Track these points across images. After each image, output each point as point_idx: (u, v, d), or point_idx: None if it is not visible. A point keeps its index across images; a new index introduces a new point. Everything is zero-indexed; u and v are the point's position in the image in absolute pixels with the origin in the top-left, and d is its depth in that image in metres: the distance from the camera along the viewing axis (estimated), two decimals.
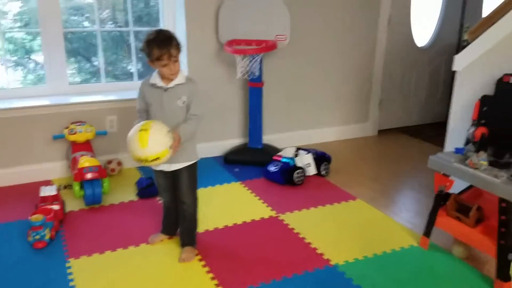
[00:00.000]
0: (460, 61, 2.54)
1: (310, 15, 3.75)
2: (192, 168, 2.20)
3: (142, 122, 1.98)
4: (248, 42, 3.31)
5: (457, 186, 2.29)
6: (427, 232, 2.33)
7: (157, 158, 1.92)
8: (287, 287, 2.06)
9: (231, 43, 3.32)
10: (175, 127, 2.04)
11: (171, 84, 2.10)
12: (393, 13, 4.14)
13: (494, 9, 2.42)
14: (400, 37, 4.30)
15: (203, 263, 2.22)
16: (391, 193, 3.14)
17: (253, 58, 3.28)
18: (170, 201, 2.33)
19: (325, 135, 4.15)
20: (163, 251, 2.33)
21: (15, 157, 3.06)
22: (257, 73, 3.34)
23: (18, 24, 3.38)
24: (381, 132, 4.47)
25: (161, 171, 2.21)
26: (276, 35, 3.35)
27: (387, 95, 4.41)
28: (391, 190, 3.19)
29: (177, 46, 2.07)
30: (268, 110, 3.76)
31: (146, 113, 2.17)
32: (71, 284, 2.05)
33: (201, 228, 2.50)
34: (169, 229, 2.42)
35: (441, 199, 2.25)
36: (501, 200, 1.96)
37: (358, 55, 4.09)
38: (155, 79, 2.13)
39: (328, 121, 4.16)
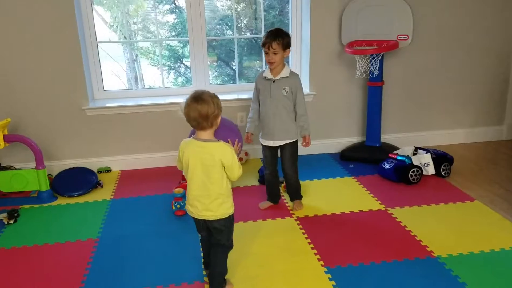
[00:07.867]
0: None
1: (440, 14, 3.70)
2: (294, 146, 2.72)
3: None
4: (369, 43, 3.44)
5: None
6: None
7: None
8: (383, 270, 2.19)
9: (352, 44, 3.49)
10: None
11: (278, 77, 2.59)
12: None
13: None
14: None
15: (308, 240, 2.48)
16: None
17: (373, 58, 3.40)
18: (272, 175, 2.83)
19: (450, 137, 4.01)
20: (275, 226, 2.65)
21: (165, 144, 3.71)
22: (376, 73, 3.46)
23: (173, 33, 4.10)
24: None
25: (268, 146, 2.71)
26: (398, 35, 3.41)
27: None
28: None
29: (280, 42, 2.48)
30: (387, 109, 3.81)
31: (257, 100, 2.69)
32: None
33: (310, 213, 2.78)
34: (273, 197, 2.91)
35: None
36: None
37: (492, 56, 3.87)
38: (267, 72, 2.61)
39: (454, 123, 4.02)
